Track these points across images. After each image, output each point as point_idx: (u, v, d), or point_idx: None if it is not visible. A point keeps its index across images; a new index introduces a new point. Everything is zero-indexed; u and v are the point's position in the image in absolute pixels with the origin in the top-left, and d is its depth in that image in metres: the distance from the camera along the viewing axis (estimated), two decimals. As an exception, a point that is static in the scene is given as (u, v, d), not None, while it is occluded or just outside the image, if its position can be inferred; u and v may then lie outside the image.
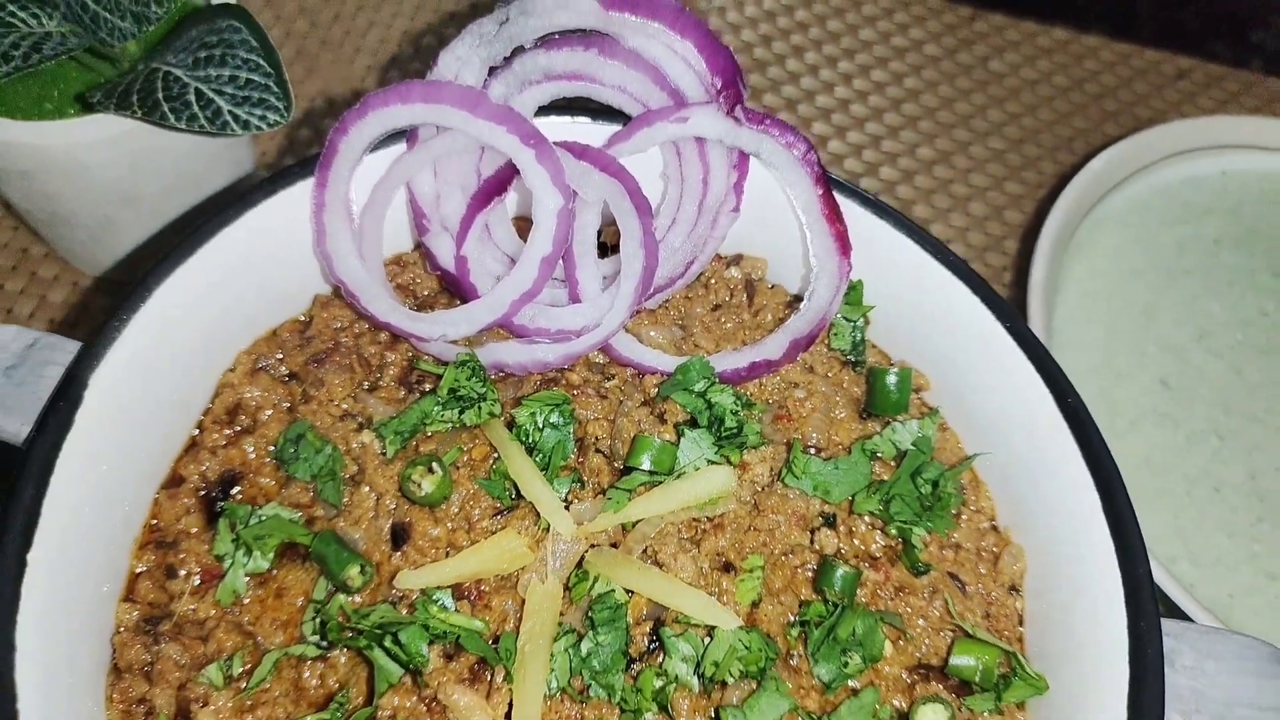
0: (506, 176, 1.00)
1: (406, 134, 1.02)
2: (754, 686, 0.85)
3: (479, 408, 0.95)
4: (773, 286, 1.14)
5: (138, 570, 0.93)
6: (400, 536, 0.91)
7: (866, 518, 0.97)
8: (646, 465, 0.92)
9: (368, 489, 0.94)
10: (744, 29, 2.04)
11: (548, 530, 0.90)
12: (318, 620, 0.88)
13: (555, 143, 0.98)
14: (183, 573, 0.92)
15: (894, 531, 0.96)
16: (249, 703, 0.85)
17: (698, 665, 0.86)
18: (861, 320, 1.08)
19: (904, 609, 0.93)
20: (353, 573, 0.88)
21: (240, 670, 0.87)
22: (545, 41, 1.01)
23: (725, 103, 1.02)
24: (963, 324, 1.01)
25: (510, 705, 0.83)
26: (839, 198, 1.04)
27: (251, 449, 0.99)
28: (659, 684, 0.85)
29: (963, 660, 0.89)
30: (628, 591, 0.88)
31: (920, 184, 1.86)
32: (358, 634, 0.84)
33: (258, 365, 1.04)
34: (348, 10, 1.93)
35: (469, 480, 0.93)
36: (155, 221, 1.37)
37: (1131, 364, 1.51)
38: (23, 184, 1.29)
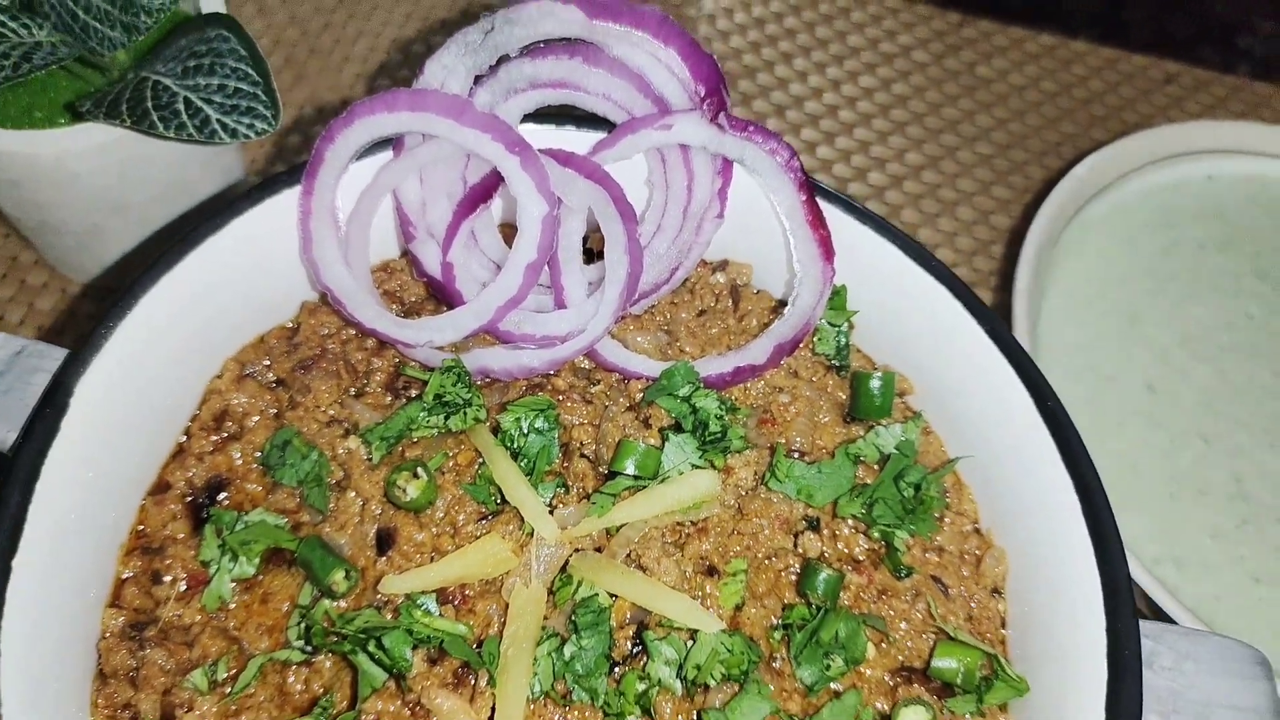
0: (492, 184, 1.01)
1: (393, 141, 1.03)
2: (736, 689, 0.86)
3: (464, 413, 0.96)
4: (758, 292, 1.14)
5: (124, 576, 0.93)
6: (385, 541, 0.91)
7: (850, 521, 0.98)
8: (631, 470, 0.93)
9: (353, 494, 0.94)
10: (733, 35, 2.05)
11: (532, 535, 0.90)
12: (303, 625, 0.88)
13: (540, 150, 0.99)
14: (169, 578, 0.92)
15: (877, 535, 0.97)
16: (233, 708, 0.86)
17: (680, 668, 0.86)
18: (846, 325, 1.09)
19: (887, 612, 0.94)
20: (338, 578, 0.88)
21: (225, 675, 0.87)
22: (530, 50, 1.01)
23: (709, 110, 1.03)
24: (944, 328, 1.02)
25: (493, 709, 0.83)
26: (822, 203, 1.05)
27: (238, 455, 0.99)
28: (642, 687, 0.86)
29: (944, 663, 0.90)
30: (611, 595, 0.89)
31: (908, 189, 1.87)
32: (342, 639, 0.85)
33: (245, 372, 1.05)
34: (338, 19, 1.94)
35: (454, 485, 0.94)
36: (144, 229, 1.37)
37: (1117, 367, 1.51)
38: (12, 192, 1.30)
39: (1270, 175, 1.76)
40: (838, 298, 1.08)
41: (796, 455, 1.01)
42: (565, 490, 0.94)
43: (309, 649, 0.88)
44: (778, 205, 1.05)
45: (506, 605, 0.87)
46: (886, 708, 0.89)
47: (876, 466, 1.02)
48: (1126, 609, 0.84)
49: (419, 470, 0.92)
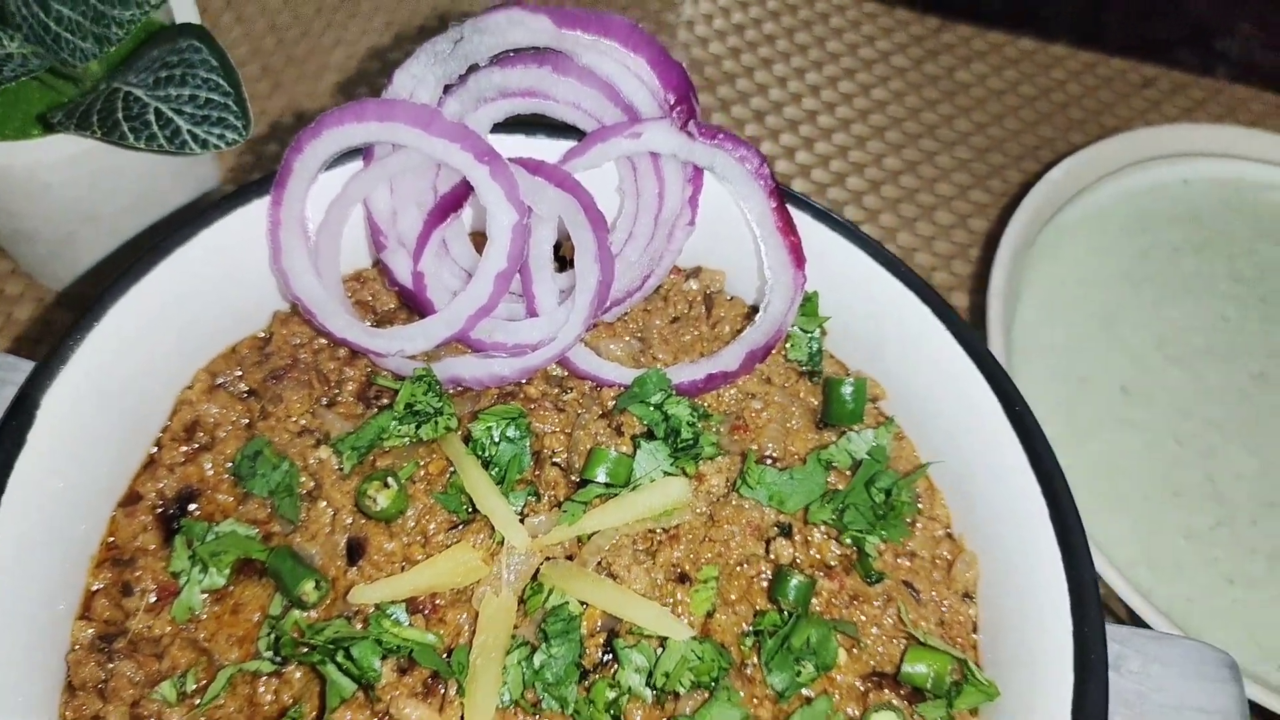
0: (462, 193, 1.01)
1: (363, 151, 1.03)
2: (706, 696, 0.86)
3: (435, 422, 0.96)
4: (731, 299, 1.15)
5: (94, 588, 0.93)
6: (356, 551, 0.91)
7: (821, 527, 0.98)
8: (602, 477, 0.93)
9: (325, 504, 0.94)
10: (711, 42, 2.06)
11: (503, 543, 0.90)
12: (272, 636, 0.88)
13: (510, 159, 0.99)
14: (139, 590, 0.92)
15: (849, 540, 0.97)
16: (202, 719, 0.86)
17: (650, 676, 0.86)
18: (818, 331, 1.09)
19: (858, 617, 0.94)
20: (308, 588, 0.88)
21: (194, 687, 0.87)
22: (500, 59, 1.02)
23: (678, 118, 1.03)
24: (913, 334, 1.02)
25: (463, 718, 0.83)
26: (792, 210, 1.05)
27: (209, 466, 0.99)
28: (612, 695, 0.86)
29: (914, 668, 0.90)
30: (582, 603, 0.89)
31: (887, 194, 1.88)
32: (311, 649, 0.85)
33: (216, 382, 1.05)
34: (315, 28, 1.93)
35: (425, 495, 0.94)
36: (116, 238, 1.37)
37: (1092, 370, 1.52)
38: (-15, 203, 1.30)
39: (1246, 178, 1.77)
40: (809, 304, 1.08)
41: (769, 461, 1.01)
42: (536, 499, 0.95)
43: (278, 660, 0.88)
44: (748, 212, 1.05)
45: (477, 614, 0.87)
46: (857, 713, 0.90)
47: (849, 472, 1.02)
48: (1093, 613, 0.84)
49: (389, 480, 0.92)
